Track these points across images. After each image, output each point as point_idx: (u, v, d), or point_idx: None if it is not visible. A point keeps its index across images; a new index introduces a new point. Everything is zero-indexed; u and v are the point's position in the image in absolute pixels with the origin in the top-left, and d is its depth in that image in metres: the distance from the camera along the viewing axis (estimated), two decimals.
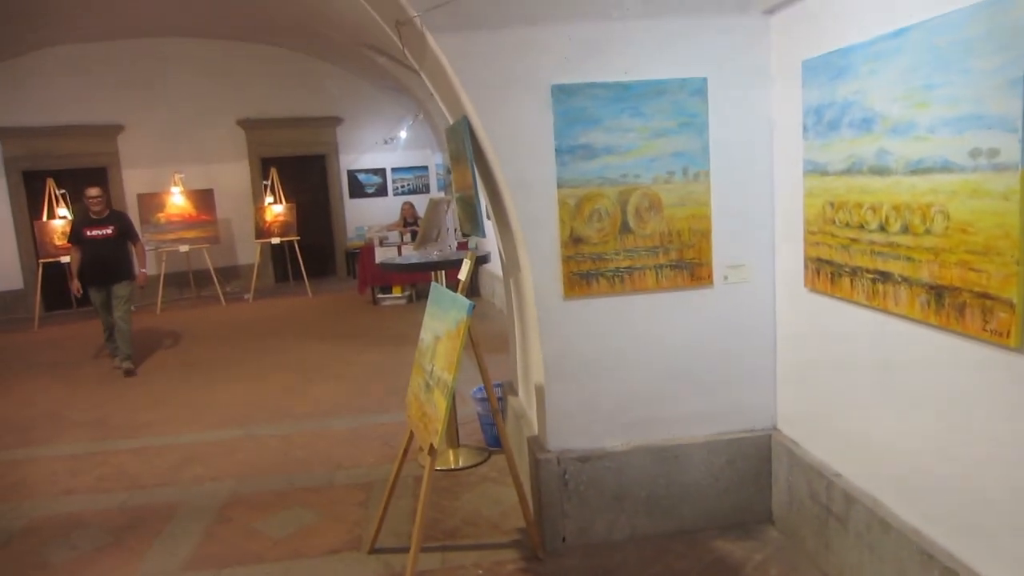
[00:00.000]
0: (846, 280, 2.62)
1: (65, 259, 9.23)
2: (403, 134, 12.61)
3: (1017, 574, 2.03)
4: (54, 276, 10.14)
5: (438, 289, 3.21)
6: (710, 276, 3.21)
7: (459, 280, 3.20)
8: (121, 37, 11.16)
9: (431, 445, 2.83)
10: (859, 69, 2.40)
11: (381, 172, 13.31)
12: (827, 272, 2.74)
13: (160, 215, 11.12)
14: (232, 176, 12.34)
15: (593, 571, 3.14)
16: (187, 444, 5.08)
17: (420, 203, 11.91)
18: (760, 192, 3.17)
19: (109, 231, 7.04)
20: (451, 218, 4.69)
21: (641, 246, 3.14)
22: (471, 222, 3.59)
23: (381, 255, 9.49)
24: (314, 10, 9.13)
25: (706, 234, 3.17)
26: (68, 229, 7.06)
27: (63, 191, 10.59)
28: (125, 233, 7.19)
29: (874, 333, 2.54)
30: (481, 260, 4.49)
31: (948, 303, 2.12)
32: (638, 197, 3.10)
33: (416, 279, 10.03)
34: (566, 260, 3.13)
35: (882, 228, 2.38)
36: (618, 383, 3.27)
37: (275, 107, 12.33)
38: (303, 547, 3.54)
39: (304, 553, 3.48)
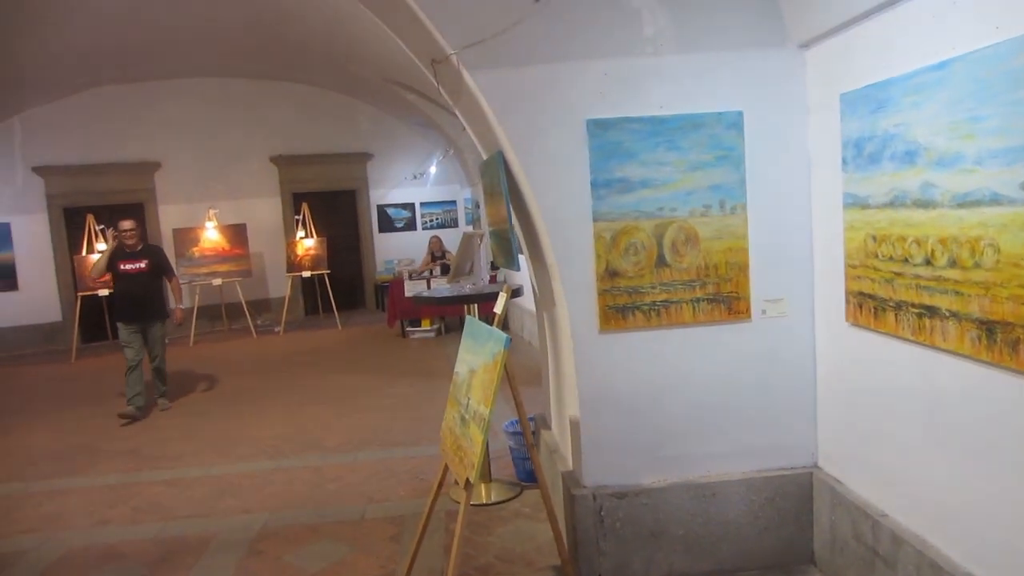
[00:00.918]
0: (890, 315, 2.57)
1: (103, 292, 9.43)
2: (433, 169, 12.77)
3: None
4: (92, 308, 10.36)
5: (473, 322, 3.21)
6: (748, 310, 3.18)
7: (495, 313, 3.20)
8: (159, 78, 11.53)
9: (467, 479, 2.80)
10: (900, 102, 2.38)
11: (410, 207, 13.48)
12: (870, 306, 2.69)
13: (194, 249, 11.34)
14: (264, 211, 12.58)
15: None
16: (219, 476, 5.10)
17: (447, 237, 12.04)
18: (798, 225, 3.14)
19: (143, 265, 6.88)
20: (484, 252, 4.71)
21: (678, 280, 3.13)
22: (505, 256, 3.60)
23: (411, 288, 9.55)
24: (346, 49, 9.37)
25: (743, 267, 3.14)
26: (104, 262, 6.85)
27: (102, 226, 10.85)
28: (159, 268, 7.04)
29: (921, 369, 2.48)
30: (514, 294, 4.50)
31: (1000, 338, 2.07)
32: (674, 230, 3.09)
33: (448, 312, 10.08)
34: (602, 294, 3.12)
35: (928, 262, 2.34)
36: (655, 418, 3.22)
37: (307, 143, 12.59)
38: None
39: None
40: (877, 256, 2.60)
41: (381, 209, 13.37)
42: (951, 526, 2.43)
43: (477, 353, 3.02)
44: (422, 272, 10.48)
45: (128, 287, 6.82)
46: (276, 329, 11.62)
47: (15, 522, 4.51)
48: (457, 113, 3.96)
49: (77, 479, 5.24)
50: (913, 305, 2.43)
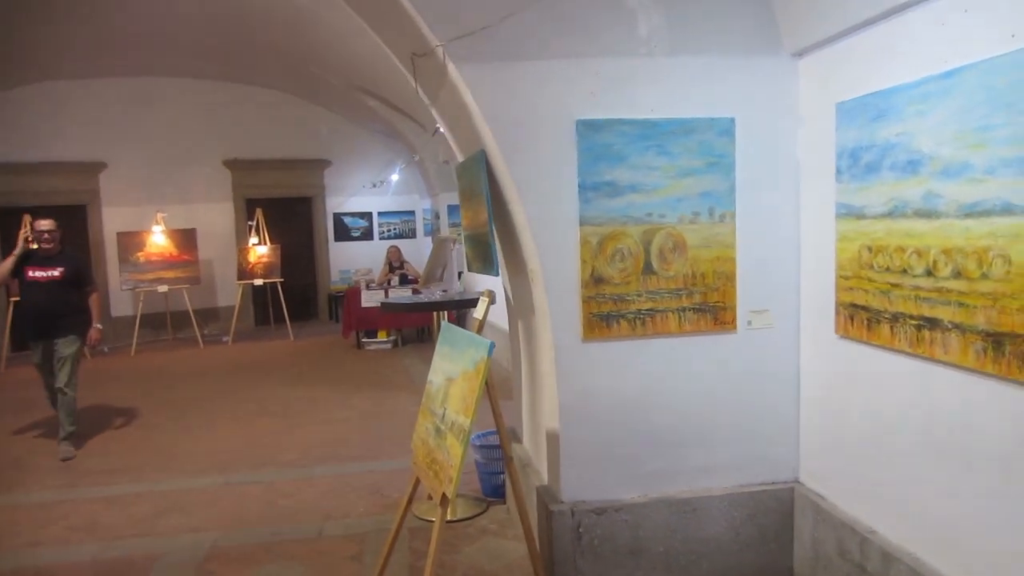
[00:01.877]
0: (885, 327, 2.52)
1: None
2: (395, 177, 12.56)
3: None
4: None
5: (451, 328, 3.05)
6: (734, 321, 3.10)
7: (476, 320, 3.04)
8: (107, 75, 11.07)
9: (443, 494, 2.63)
10: (903, 111, 2.34)
11: (367, 216, 13.22)
12: (862, 318, 2.64)
13: (139, 254, 10.87)
14: (216, 216, 12.16)
15: None
16: (164, 492, 4.79)
17: (405, 248, 11.82)
18: (786, 235, 3.09)
19: (56, 273, 5.67)
20: (456, 258, 4.56)
21: (664, 288, 3.03)
22: (482, 261, 3.46)
23: (368, 299, 9.32)
24: (308, 51, 9.14)
25: (731, 277, 3.07)
26: (9, 266, 5.67)
27: None
28: (77, 277, 5.81)
29: (918, 382, 2.42)
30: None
31: (1009, 351, 2.01)
32: (662, 237, 3.00)
33: (409, 323, 9.94)
34: (586, 300, 3.00)
35: (929, 273, 2.29)
36: (636, 430, 3.11)
37: (263, 148, 12.24)
38: None
39: None
40: (872, 267, 2.55)
41: (338, 217, 13.07)
42: (948, 543, 2.37)
43: (455, 360, 2.86)
44: (380, 284, 10.24)
45: (35, 297, 5.65)
46: (225, 339, 11.19)
47: None
48: (434, 112, 3.82)
49: (4, 496, 4.84)
50: (911, 317, 2.38)
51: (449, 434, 2.72)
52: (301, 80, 10.93)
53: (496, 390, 3.04)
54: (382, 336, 10.03)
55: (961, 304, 2.17)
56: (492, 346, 2.57)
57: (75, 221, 11.47)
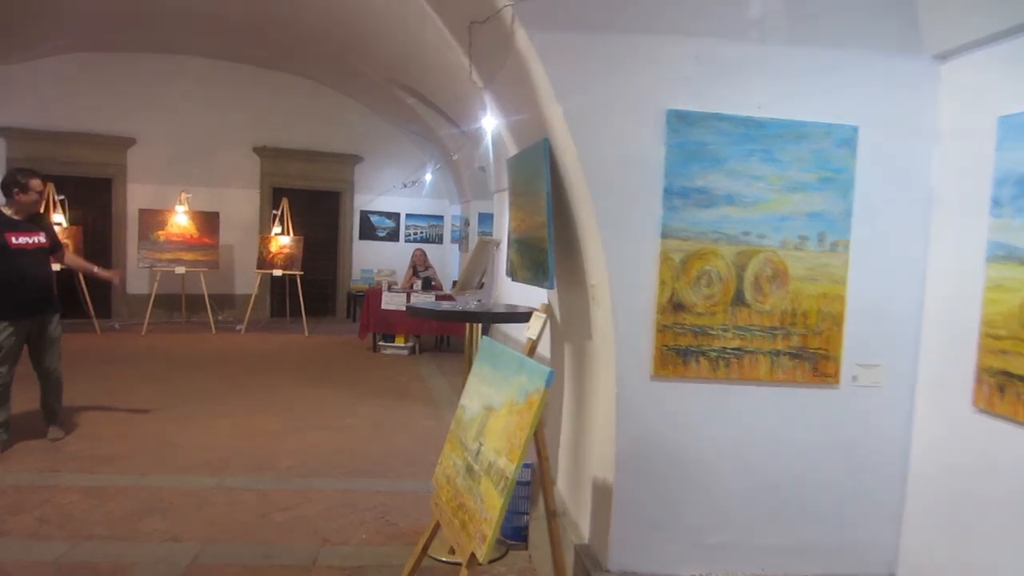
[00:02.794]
0: None
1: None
2: (428, 177, 12.16)
3: None
4: None
5: (493, 345, 2.54)
6: (837, 373, 2.56)
7: (529, 339, 2.53)
8: (145, 50, 10.84)
9: (471, 554, 2.11)
10: None
11: (395, 216, 12.82)
12: (1017, 391, 2.09)
13: (160, 233, 10.56)
14: (241, 202, 11.87)
15: None
16: (150, 488, 4.32)
17: (431, 252, 11.39)
18: (910, 276, 2.54)
19: (42, 239, 5.01)
20: (500, 264, 4.06)
21: (757, 324, 2.51)
22: (534, 269, 2.95)
23: (389, 301, 8.88)
24: (351, 42, 8.77)
25: (838, 320, 2.53)
26: None
27: (62, 197, 10.05)
28: (55, 243, 5.18)
29: None
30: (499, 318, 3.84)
31: None
32: (760, 263, 2.48)
33: (436, 329, 9.56)
34: (661, 330, 2.48)
35: None
36: (706, 493, 2.58)
37: (294, 138, 11.95)
38: None
39: None
40: None
41: (364, 215, 12.68)
42: None
43: (499, 387, 2.35)
44: (404, 288, 9.80)
45: (24, 267, 4.87)
46: (238, 327, 10.82)
47: None
48: (488, 99, 3.35)
49: None
50: None
51: (485, 478, 2.21)
52: (338, 71, 10.58)
53: (543, 425, 2.52)
54: (400, 341, 9.57)
55: None
56: (552, 376, 2.06)
57: (100, 194, 11.21)
